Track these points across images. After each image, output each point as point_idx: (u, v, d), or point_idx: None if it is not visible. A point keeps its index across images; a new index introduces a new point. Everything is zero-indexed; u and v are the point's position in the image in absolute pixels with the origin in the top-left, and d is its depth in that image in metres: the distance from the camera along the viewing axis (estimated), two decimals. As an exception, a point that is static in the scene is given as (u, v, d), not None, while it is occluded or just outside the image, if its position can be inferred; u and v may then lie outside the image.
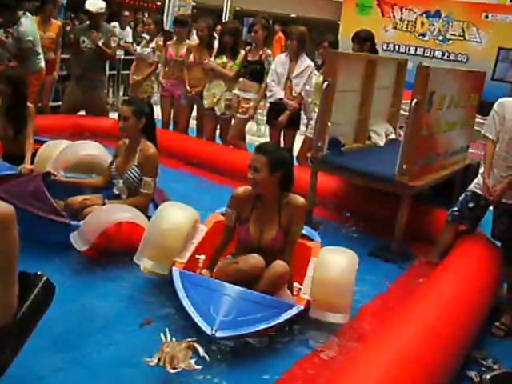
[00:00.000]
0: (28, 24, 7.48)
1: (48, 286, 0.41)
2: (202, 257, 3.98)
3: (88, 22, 8.13)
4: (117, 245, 4.21)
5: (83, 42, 7.90)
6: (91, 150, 5.54)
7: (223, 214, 4.15)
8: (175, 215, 3.99)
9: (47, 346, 3.02)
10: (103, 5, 8.03)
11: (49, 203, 4.35)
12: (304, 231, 4.22)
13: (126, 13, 12.16)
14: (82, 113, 8.52)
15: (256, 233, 3.76)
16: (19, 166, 5.23)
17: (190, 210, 4.12)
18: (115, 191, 4.72)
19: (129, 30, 11.86)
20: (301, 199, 3.74)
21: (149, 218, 4.27)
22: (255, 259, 3.61)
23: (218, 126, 7.87)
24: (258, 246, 3.75)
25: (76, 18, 10.67)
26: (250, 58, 7.32)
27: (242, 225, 3.80)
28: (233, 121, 7.63)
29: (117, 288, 3.96)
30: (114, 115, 8.46)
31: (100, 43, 7.78)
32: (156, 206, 4.53)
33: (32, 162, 5.37)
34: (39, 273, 0.41)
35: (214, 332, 3.10)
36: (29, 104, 5.60)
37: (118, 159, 4.77)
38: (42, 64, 7.76)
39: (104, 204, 4.58)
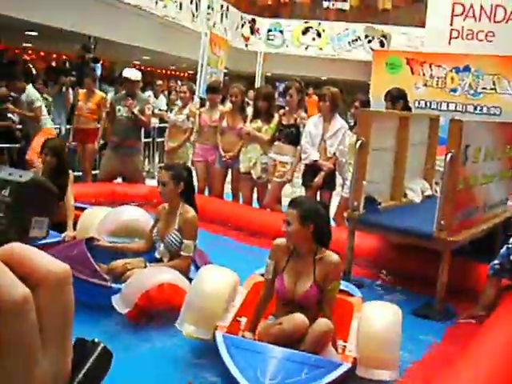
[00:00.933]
0: None
1: (105, 353, 0.40)
2: (244, 319, 3.96)
3: (124, 92, 8.37)
4: (158, 306, 4.23)
5: (119, 110, 8.11)
6: (133, 214, 5.72)
7: (262, 275, 4.17)
8: (216, 278, 4.00)
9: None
10: (139, 74, 8.31)
11: (91, 267, 4.46)
12: (344, 287, 4.20)
13: (159, 82, 12.49)
14: (119, 180, 8.68)
15: (290, 284, 3.75)
16: (61, 232, 5.36)
17: (229, 273, 4.12)
18: (157, 255, 4.80)
19: (162, 98, 12.16)
20: (335, 256, 3.74)
21: (190, 280, 4.29)
22: (299, 319, 3.58)
23: (256, 190, 7.93)
24: (292, 299, 3.73)
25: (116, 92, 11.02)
26: (284, 122, 7.41)
27: (278, 275, 3.81)
28: (269, 185, 7.68)
29: (159, 351, 3.95)
30: (149, 182, 8.61)
31: (135, 111, 7.97)
32: (197, 268, 4.57)
33: (73, 229, 5.50)
34: (96, 340, 0.40)
35: None
36: (70, 172, 5.77)
37: (159, 223, 4.85)
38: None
39: (145, 267, 4.64)
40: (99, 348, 0.49)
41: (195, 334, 3.79)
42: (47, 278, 0.43)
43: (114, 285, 4.40)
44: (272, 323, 3.76)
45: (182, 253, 4.66)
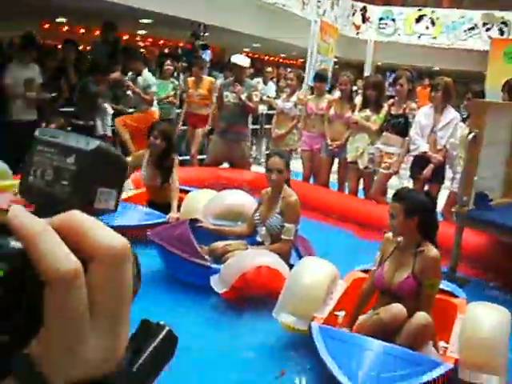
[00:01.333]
0: None
1: (170, 337, 0.38)
2: (342, 313, 3.89)
3: (232, 78, 8.43)
4: (255, 289, 4.27)
5: (226, 96, 8.18)
6: (238, 198, 5.87)
7: (363, 271, 4.13)
8: (316, 269, 3.98)
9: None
10: (248, 60, 8.38)
11: (193, 247, 4.62)
12: (448, 287, 4.07)
13: (269, 69, 12.51)
14: (225, 165, 8.78)
15: (389, 273, 3.70)
16: (166, 213, 5.56)
17: (330, 266, 4.08)
18: (258, 238, 4.88)
19: (272, 85, 12.17)
20: (434, 251, 3.64)
21: (291, 266, 4.29)
22: (396, 308, 3.51)
23: (362, 180, 7.81)
24: (389, 288, 3.67)
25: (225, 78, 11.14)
26: (393, 112, 7.25)
27: (380, 265, 3.78)
28: (375, 175, 7.54)
29: (253, 337, 3.98)
30: (255, 169, 8.65)
31: (243, 97, 8.02)
32: (300, 256, 4.59)
33: (178, 210, 5.66)
34: (162, 322, 0.38)
35: None
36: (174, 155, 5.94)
37: (261, 207, 4.92)
38: None
39: (246, 250, 4.72)
40: (164, 331, 0.48)
41: (292, 324, 3.75)
42: (103, 253, 0.41)
43: (213, 265, 4.51)
44: (370, 315, 3.72)
45: (282, 236, 4.69)
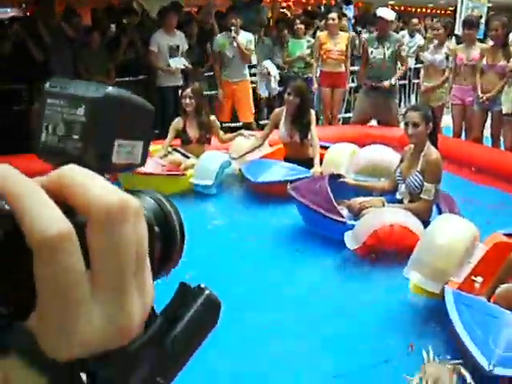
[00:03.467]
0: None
1: (211, 303, 0.34)
2: (479, 279, 3.58)
3: (376, 33, 8.16)
4: (388, 247, 4.22)
5: (372, 52, 7.94)
6: (383, 154, 5.91)
7: (507, 235, 3.83)
8: (453, 229, 3.70)
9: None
10: (393, 14, 8.09)
11: (330, 202, 4.68)
12: None
13: (415, 20, 11.99)
14: (374, 123, 8.57)
15: None
16: (309, 168, 5.70)
17: (469, 226, 3.77)
18: (398, 196, 4.81)
19: (419, 37, 11.66)
20: None
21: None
22: None
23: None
24: None
25: (363, 31, 10.83)
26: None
27: None
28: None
29: (380, 302, 3.85)
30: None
31: (388, 53, 7.75)
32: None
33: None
34: (202, 285, 0.34)
35: (491, 368, 2.69)
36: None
37: (402, 164, 4.84)
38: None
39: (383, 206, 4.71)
40: (204, 295, 0.43)
41: (423, 285, 3.53)
42: (95, 212, 0.36)
43: (348, 221, 4.56)
44: None
45: (421, 196, 4.57)
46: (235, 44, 7.98)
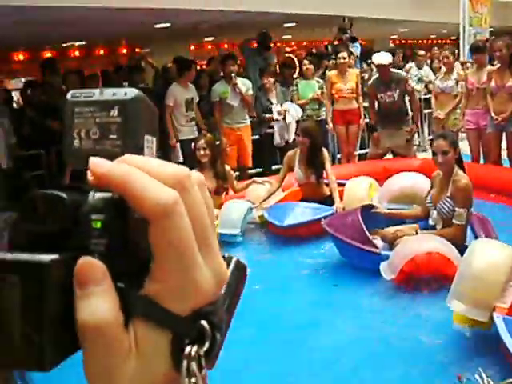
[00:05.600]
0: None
1: (240, 267, 0.40)
2: None
3: (378, 77, 8.17)
4: (425, 275, 4.21)
5: (382, 97, 7.93)
6: (412, 181, 6.02)
7: None
8: (491, 254, 3.65)
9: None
10: (389, 56, 8.05)
11: (363, 234, 4.76)
12: None
13: (422, 52, 12.10)
14: (389, 156, 8.59)
15: None
16: (330, 205, 5.84)
17: (506, 248, 3.73)
18: (430, 222, 4.84)
19: (426, 69, 11.75)
20: None
21: (466, 247, 4.07)
22: None
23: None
24: None
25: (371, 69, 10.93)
26: None
27: None
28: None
29: (423, 327, 3.82)
30: (420, 155, 8.37)
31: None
32: (477, 238, 4.45)
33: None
34: (227, 255, 0.39)
35: None
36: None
37: (433, 190, 4.88)
38: None
39: (416, 234, 4.74)
40: (234, 261, 0.49)
41: (468, 314, 3.44)
42: (155, 214, 0.39)
43: (383, 252, 4.61)
44: None
45: (453, 221, 4.59)
46: (237, 90, 8.05)
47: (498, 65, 7.57)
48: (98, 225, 0.40)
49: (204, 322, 0.41)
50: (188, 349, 0.40)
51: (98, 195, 0.41)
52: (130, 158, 0.41)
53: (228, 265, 0.48)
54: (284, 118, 8.54)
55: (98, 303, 0.39)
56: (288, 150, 8.55)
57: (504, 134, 7.52)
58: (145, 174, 0.40)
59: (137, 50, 12.90)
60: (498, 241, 4.04)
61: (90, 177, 0.41)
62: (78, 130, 0.45)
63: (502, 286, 3.44)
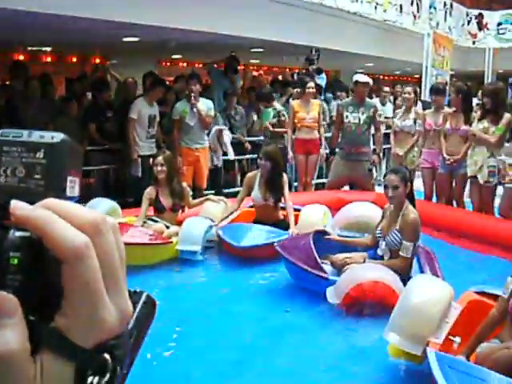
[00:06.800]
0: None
1: (150, 301, 0.42)
2: (457, 339, 3.51)
3: (351, 98, 8.38)
4: (368, 302, 4.35)
5: (347, 117, 8.14)
6: (366, 210, 6.21)
7: (478, 293, 3.94)
8: (429, 290, 3.73)
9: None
10: (370, 80, 8.32)
11: (313, 259, 4.88)
12: None
13: (386, 88, 12.33)
14: (347, 188, 8.74)
15: None
16: (284, 229, 6.03)
17: (444, 285, 3.83)
18: (379, 252, 4.98)
19: (390, 106, 11.99)
20: None
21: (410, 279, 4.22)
22: None
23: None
24: None
25: (334, 98, 11.10)
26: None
27: None
28: (498, 189, 7.21)
29: (359, 356, 3.93)
30: (377, 189, 8.51)
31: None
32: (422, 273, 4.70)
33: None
34: (138, 289, 0.42)
35: None
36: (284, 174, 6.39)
37: (383, 222, 5.02)
38: None
39: (364, 262, 4.89)
40: (143, 296, 0.52)
41: (403, 347, 3.48)
42: (67, 256, 0.44)
43: (331, 277, 4.74)
44: (497, 347, 3.33)
45: (400, 253, 4.74)
46: (194, 110, 7.98)
47: (454, 108, 7.79)
48: (15, 261, 0.44)
49: (106, 355, 0.45)
50: (90, 380, 0.44)
51: (18, 233, 0.45)
52: (50, 202, 0.45)
53: (138, 299, 0.52)
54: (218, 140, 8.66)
55: (9, 334, 0.42)
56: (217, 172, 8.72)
57: (454, 176, 7.69)
58: (61, 220, 0.44)
59: (98, 61, 12.83)
60: (437, 277, 4.16)
61: (11, 216, 0.44)
62: (5, 167, 0.48)
63: (437, 322, 3.49)
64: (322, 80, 10.97)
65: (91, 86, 9.13)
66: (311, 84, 8.66)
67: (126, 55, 12.25)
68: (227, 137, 8.81)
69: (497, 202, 7.29)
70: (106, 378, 0.45)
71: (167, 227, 6.13)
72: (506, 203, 7.04)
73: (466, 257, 6.39)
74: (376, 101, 11.51)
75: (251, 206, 6.65)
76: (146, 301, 0.53)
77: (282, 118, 8.86)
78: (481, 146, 7.11)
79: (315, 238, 5.23)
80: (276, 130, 8.87)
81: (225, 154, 8.95)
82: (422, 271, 4.86)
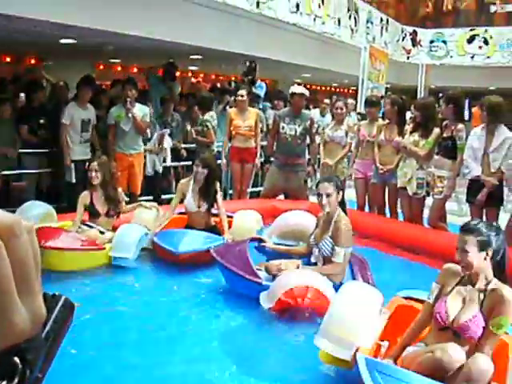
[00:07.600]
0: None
1: (68, 305, 0.43)
2: (385, 343, 3.60)
3: (288, 108, 8.47)
4: (301, 307, 4.44)
5: (283, 128, 8.21)
6: (302, 219, 6.33)
7: (405, 298, 4.05)
8: (360, 296, 3.80)
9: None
10: (306, 91, 8.40)
11: (248, 265, 4.97)
12: None
13: (326, 100, 12.52)
14: (281, 197, 8.81)
15: (452, 309, 3.38)
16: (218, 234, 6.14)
17: (374, 291, 3.92)
18: (312, 259, 5.07)
19: (329, 117, 12.16)
20: (507, 289, 3.29)
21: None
22: (455, 350, 3.21)
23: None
24: (450, 326, 3.37)
25: (272, 107, 11.19)
26: (444, 135, 7.07)
27: (441, 298, 3.47)
28: (427, 200, 7.41)
29: (291, 361, 3.97)
30: (312, 198, 8.61)
31: (299, 130, 8.05)
32: (354, 280, 4.81)
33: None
34: (57, 293, 0.43)
35: None
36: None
37: (316, 230, 5.14)
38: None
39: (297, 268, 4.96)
40: (61, 300, 0.52)
41: (333, 352, 3.51)
42: (10, 229, 0.45)
43: (265, 282, 4.79)
44: (421, 350, 3.40)
45: (332, 259, 4.85)
46: (129, 115, 7.90)
47: (388, 120, 7.96)
48: None
49: (16, 359, 0.45)
50: None
51: None
52: None
53: (57, 303, 0.52)
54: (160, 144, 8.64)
55: None
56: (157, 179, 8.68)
57: (387, 186, 7.84)
58: None
59: (34, 62, 12.59)
60: (368, 284, 4.25)
61: None
62: None
63: (365, 328, 3.55)
64: (260, 89, 11.03)
65: (25, 87, 8.95)
66: (241, 92, 8.68)
67: (63, 57, 12.07)
68: (167, 142, 8.80)
69: (426, 212, 7.48)
70: (15, 382, 0.44)
71: (102, 233, 6.05)
72: (434, 214, 7.25)
73: (395, 264, 6.59)
74: (315, 112, 11.68)
75: (181, 213, 6.62)
76: (63, 304, 0.52)
77: (205, 129, 8.82)
78: (411, 158, 7.27)
79: (251, 246, 5.38)
80: (199, 138, 8.86)
81: (163, 159, 8.92)
82: (354, 278, 4.96)
